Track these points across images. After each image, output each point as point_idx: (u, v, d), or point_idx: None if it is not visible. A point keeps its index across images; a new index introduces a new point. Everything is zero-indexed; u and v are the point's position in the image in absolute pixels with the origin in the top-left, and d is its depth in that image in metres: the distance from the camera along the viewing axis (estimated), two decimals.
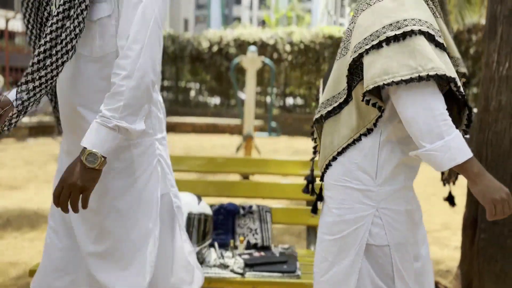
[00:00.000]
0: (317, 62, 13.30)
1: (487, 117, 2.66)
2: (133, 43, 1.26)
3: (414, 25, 1.28)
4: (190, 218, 1.90)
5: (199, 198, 2.01)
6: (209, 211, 2.00)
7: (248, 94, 6.00)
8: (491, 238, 2.62)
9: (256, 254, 2.05)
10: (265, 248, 2.14)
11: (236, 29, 14.95)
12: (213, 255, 2.01)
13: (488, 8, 2.69)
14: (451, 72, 1.31)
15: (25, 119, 10.84)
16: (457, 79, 1.33)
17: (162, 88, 15.47)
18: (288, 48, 13.46)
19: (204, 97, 15.63)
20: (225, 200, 2.57)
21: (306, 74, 13.79)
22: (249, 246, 2.14)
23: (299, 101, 14.28)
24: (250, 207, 2.21)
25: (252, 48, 6.00)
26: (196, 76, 15.48)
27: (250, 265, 1.90)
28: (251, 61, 5.95)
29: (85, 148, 1.23)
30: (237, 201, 2.32)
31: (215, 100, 15.52)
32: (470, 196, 2.82)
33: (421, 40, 1.28)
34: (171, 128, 11.91)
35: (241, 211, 2.18)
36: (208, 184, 2.32)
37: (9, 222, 4.06)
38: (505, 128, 2.57)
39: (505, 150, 2.57)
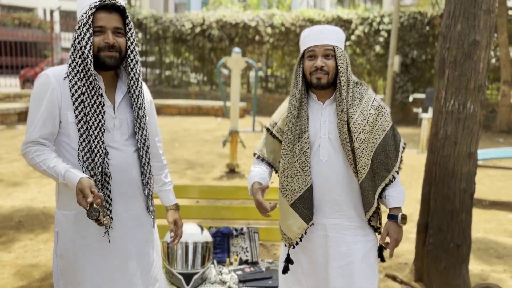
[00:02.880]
0: (297, 44, 13.62)
1: (436, 142, 3.20)
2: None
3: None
4: (196, 246, 2.41)
5: (202, 228, 2.52)
6: (210, 238, 2.51)
7: (233, 93, 6.43)
8: (437, 243, 3.20)
9: (247, 269, 2.59)
10: (254, 263, 2.69)
11: (218, 10, 15.14)
12: (213, 271, 2.54)
13: (439, 52, 3.18)
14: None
15: (14, 105, 11.05)
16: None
17: (147, 66, 15.73)
18: (269, 30, 13.77)
19: (187, 76, 15.90)
20: (219, 222, 3.09)
21: (287, 56, 14.18)
22: (241, 262, 2.68)
23: (280, 82, 14.70)
24: (242, 229, 2.73)
25: (236, 49, 6.39)
26: (179, 56, 15.70)
27: (243, 281, 2.45)
28: (235, 62, 6.36)
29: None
30: (228, 223, 2.83)
31: (199, 79, 15.81)
32: (423, 204, 3.38)
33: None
34: (157, 110, 12.24)
35: (234, 233, 2.71)
36: (206, 209, 2.83)
37: (21, 223, 4.51)
38: (450, 153, 3.12)
39: (450, 171, 3.13)
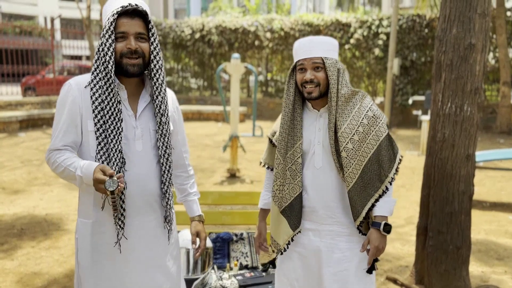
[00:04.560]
0: None
1: (434, 145, 3.22)
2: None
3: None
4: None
5: None
6: (210, 243, 2.54)
7: (233, 98, 6.47)
8: (437, 245, 3.21)
9: (247, 274, 2.61)
10: (254, 268, 2.71)
11: (217, 16, 15.20)
12: (213, 277, 2.55)
13: (435, 55, 3.21)
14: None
15: (15, 113, 11.10)
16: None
17: None
18: (268, 35, 13.82)
19: (187, 82, 15.96)
20: (220, 227, 3.11)
21: (287, 60, 14.22)
22: (241, 267, 2.69)
23: (280, 86, 14.74)
24: (242, 234, 2.75)
25: (235, 55, 6.43)
26: (179, 62, 15.77)
27: (243, 286, 2.46)
28: (235, 67, 6.39)
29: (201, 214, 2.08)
30: (229, 228, 2.85)
31: (199, 84, 15.89)
32: (422, 207, 3.40)
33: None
34: None
35: (234, 238, 2.73)
36: (206, 214, 2.85)
37: (24, 231, 4.53)
38: (448, 156, 3.14)
39: (448, 173, 3.15)
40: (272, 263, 2.08)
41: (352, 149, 1.89)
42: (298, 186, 1.95)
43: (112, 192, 1.51)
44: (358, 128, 1.90)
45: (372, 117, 1.94)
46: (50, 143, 1.76)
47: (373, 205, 1.95)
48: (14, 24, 14.13)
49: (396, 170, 1.96)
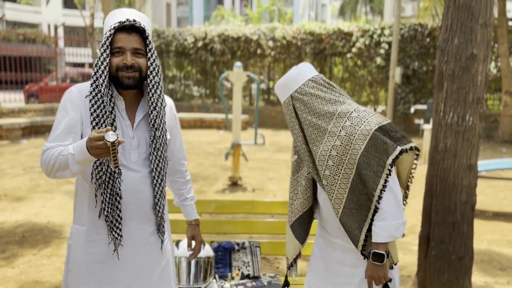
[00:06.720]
0: (299, 57, 13.79)
1: (436, 155, 3.22)
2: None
3: None
4: (198, 261, 2.43)
5: (203, 243, 2.54)
6: (211, 253, 2.53)
7: (235, 106, 6.48)
8: (439, 255, 3.20)
9: (249, 284, 2.60)
10: (256, 277, 2.70)
11: (220, 24, 15.29)
12: (215, 286, 2.55)
13: (437, 65, 3.22)
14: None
15: (18, 120, 11.14)
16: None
17: None
18: (271, 43, 13.87)
19: (190, 90, 16.02)
20: (222, 236, 3.10)
21: (289, 68, 14.24)
22: (243, 276, 2.69)
23: None
24: (243, 243, 2.75)
25: (238, 64, 6.46)
26: (182, 70, 15.83)
27: None
28: (237, 76, 6.42)
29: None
30: (231, 237, 2.84)
31: (202, 92, 15.94)
32: (425, 216, 3.39)
33: None
34: None
35: (236, 247, 2.73)
36: (208, 223, 2.85)
37: (25, 238, 4.53)
38: (450, 166, 3.14)
39: (450, 183, 3.15)
40: (287, 283, 2.10)
41: (329, 175, 1.80)
42: (307, 201, 1.96)
43: (113, 144, 1.47)
44: (331, 152, 1.79)
45: (345, 135, 1.79)
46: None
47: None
48: (18, 32, 14.20)
49: (383, 185, 1.77)
